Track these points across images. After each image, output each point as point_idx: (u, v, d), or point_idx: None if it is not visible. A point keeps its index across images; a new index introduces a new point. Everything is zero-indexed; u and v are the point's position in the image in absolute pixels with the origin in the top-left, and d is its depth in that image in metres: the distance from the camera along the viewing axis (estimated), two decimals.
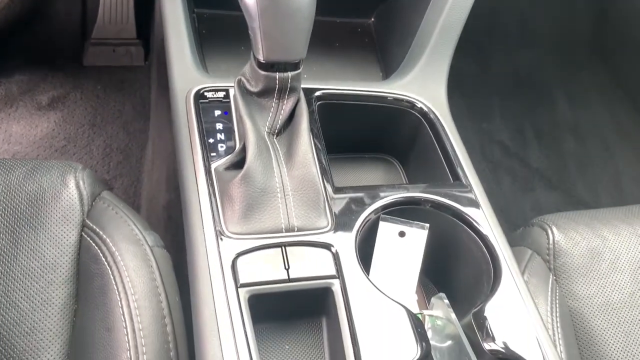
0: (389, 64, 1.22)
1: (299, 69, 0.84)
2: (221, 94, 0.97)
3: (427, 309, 0.89)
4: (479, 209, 0.90)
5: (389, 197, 0.88)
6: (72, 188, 0.94)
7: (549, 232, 1.08)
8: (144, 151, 1.79)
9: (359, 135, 1.12)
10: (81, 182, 0.95)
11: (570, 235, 1.08)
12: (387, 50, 1.25)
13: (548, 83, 2.28)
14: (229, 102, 0.96)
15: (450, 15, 1.08)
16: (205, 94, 0.97)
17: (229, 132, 0.93)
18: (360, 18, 1.34)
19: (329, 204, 0.85)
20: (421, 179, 1.07)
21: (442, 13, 1.08)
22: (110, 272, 0.85)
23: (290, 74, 0.84)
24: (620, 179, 2.04)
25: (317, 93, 1.02)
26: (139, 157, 1.78)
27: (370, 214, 0.85)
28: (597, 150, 2.13)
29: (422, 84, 1.08)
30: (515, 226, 1.90)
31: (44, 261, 0.89)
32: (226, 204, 0.81)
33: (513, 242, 1.12)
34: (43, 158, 1.72)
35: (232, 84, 0.93)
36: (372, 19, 1.34)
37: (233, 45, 1.19)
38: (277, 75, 0.83)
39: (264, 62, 0.81)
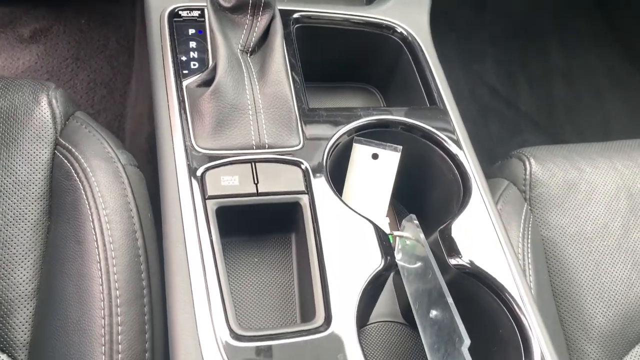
0: None
1: None
2: (196, 13, 0.95)
3: (398, 230, 0.90)
4: (453, 133, 0.90)
5: (362, 119, 0.87)
6: (44, 106, 0.93)
7: (527, 163, 1.07)
8: (128, 85, 1.76)
9: (338, 62, 1.10)
10: (54, 101, 0.94)
11: (548, 167, 1.08)
12: None
13: (542, 29, 2.24)
14: (204, 21, 0.94)
15: None
16: (180, 12, 0.95)
17: (202, 50, 0.91)
18: None
19: (301, 123, 0.84)
20: (400, 105, 1.06)
21: None
22: (82, 188, 0.85)
23: None
24: (608, 124, 2.03)
25: (295, 15, 1.00)
26: (122, 92, 1.76)
27: (343, 134, 0.85)
28: (587, 95, 2.12)
29: (404, 10, 1.05)
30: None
31: (16, 178, 0.88)
32: (196, 119, 0.80)
33: (491, 174, 1.13)
34: None
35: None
36: None
37: None
38: None
39: None
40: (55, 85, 0.97)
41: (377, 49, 1.06)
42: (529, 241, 0.97)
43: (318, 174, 0.79)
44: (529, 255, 0.94)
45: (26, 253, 0.86)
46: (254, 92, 0.82)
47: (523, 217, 1.00)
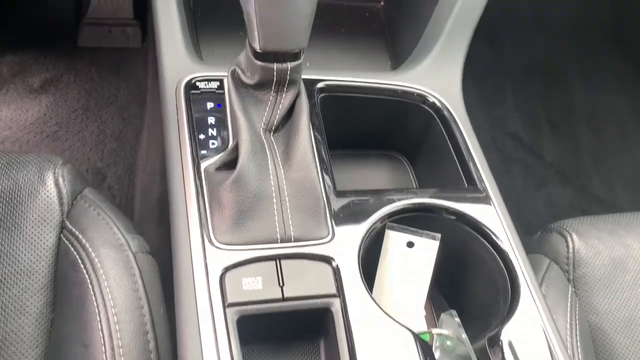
0: (399, 52, 1.13)
1: (300, 59, 0.75)
2: (214, 85, 0.89)
3: (435, 326, 0.81)
4: (496, 218, 0.82)
5: (397, 203, 0.80)
6: (50, 186, 0.86)
7: (569, 239, 0.99)
8: (139, 138, 1.70)
9: (365, 130, 1.03)
10: (60, 179, 0.87)
11: (592, 244, 1.00)
12: (397, 36, 1.15)
13: (564, 69, 2.17)
14: (223, 93, 0.88)
15: (467, 0, 0.99)
16: (197, 84, 0.88)
17: (221, 126, 0.84)
18: (368, 1, 1.25)
19: (329, 211, 0.77)
20: (432, 179, 0.99)
21: None
22: (89, 281, 0.77)
23: (289, 64, 0.75)
24: (638, 174, 1.94)
25: (320, 85, 0.93)
26: (133, 145, 1.70)
27: (375, 222, 0.77)
28: (614, 142, 2.04)
29: (436, 76, 0.98)
30: (528, 225, 1.82)
31: (18, 266, 0.81)
32: (215, 210, 0.73)
33: (529, 249, 1.04)
34: (33, 144, 1.64)
35: (227, 74, 0.84)
36: (382, 3, 1.25)
37: (230, 27, 1.10)
38: (275, 66, 0.75)
39: (260, 51, 0.73)
40: (62, 160, 0.90)
41: (406, 116, 1.00)
42: (577, 331, 0.88)
43: (350, 273, 0.71)
44: (579, 350, 0.85)
45: (27, 351, 0.78)
46: (278, 177, 0.75)
47: (569, 303, 0.91)
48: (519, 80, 2.12)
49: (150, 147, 1.60)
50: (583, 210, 1.82)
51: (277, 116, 0.80)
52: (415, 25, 1.07)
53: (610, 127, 2.07)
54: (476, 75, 2.00)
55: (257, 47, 0.72)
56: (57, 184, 0.86)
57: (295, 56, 0.75)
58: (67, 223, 0.84)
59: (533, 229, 1.77)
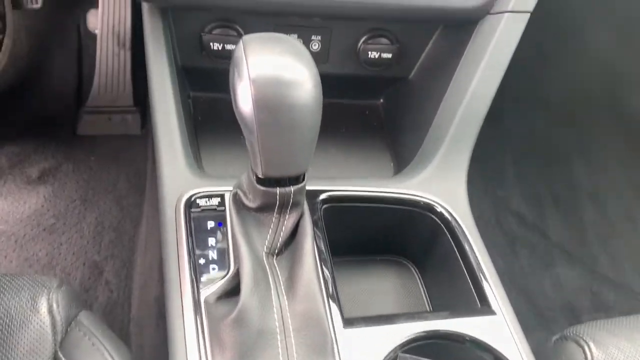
0: (401, 153, 1.11)
1: (303, 182, 0.74)
2: (215, 201, 0.86)
3: None
4: (511, 342, 0.78)
5: (408, 332, 0.76)
6: (44, 313, 0.82)
7: (586, 349, 0.94)
8: (138, 228, 1.67)
9: (370, 236, 1.00)
10: (55, 305, 0.83)
11: (611, 353, 0.95)
12: (398, 137, 1.15)
13: (563, 146, 2.17)
14: (224, 210, 0.85)
15: (471, 105, 0.98)
16: (198, 201, 0.86)
17: (222, 249, 0.81)
18: (368, 99, 1.25)
19: (337, 344, 0.73)
20: (441, 290, 0.95)
21: (462, 101, 0.98)
22: None
23: (292, 188, 0.73)
24: None
25: (323, 196, 0.91)
26: (132, 235, 1.67)
27: (388, 355, 0.73)
28: (618, 220, 2.01)
29: (440, 182, 0.97)
30: (537, 309, 1.76)
31: None
32: (216, 350, 0.69)
33: (544, 358, 1.00)
34: (30, 238, 1.61)
35: (229, 188, 0.82)
36: (381, 100, 1.25)
37: (231, 135, 1.09)
38: (278, 190, 0.73)
39: (262, 177, 0.71)
40: (58, 282, 0.87)
41: (413, 224, 0.97)
42: None
43: None
44: None
45: None
46: (282, 311, 0.71)
47: None
48: (521, 159, 2.11)
49: (148, 239, 1.57)
50: (593, 293, 1.78)
51: (280, 239, 0.77)
52: (417, 127, 1.06)
53: (613, 205, 2.04)
54: (476, 155, 1.99)
55: (260, 174, 0.70)
56: (50, 311, 0.82)
57: (297, 179, 0.73)
58: (60, 355, 0.79)
59: (543, 314, 1.72)
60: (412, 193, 0.95)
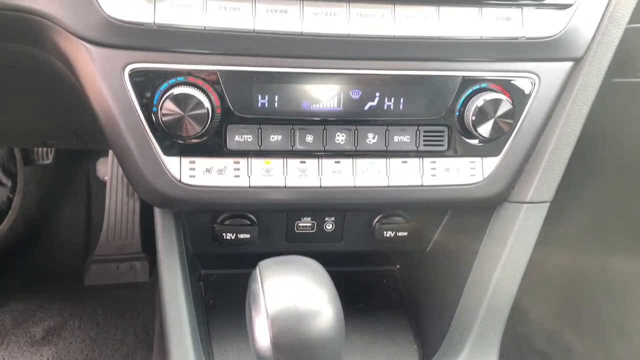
0: (425, 336, 1.07)
1: None
2: None
3: None
4: None
5: None
6: None
7: None
8: None
9: None
10: None
11: None
12: (421, 316, 1.10)
13: (585, 277, 2.11)
14: None
15: (495, 297, 0.94)
16: None
17: None
18: (384, 265, 1.22)
19: None
20: None
21: (487, 292, 0.94)
22: None
23: None
24: None
25: None
26: None
27: None
28: None
29: None
30: None
31: None
32: None
33: None
34: None
35: None
36: (398, 266, 1.21)
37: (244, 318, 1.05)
38: None
39: None
40: None
41: None
42: None
43: None
44: None
45: None
46: None
47: None
48: (537, 295, 2.05)
49: None
50: None
51: None
52: (440, 311, 1.02)
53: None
54: None
55: None
56: None
57: None
58: None
59: None
60: None
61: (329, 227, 1.05)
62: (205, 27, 0.76)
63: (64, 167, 1.92)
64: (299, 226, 1.04)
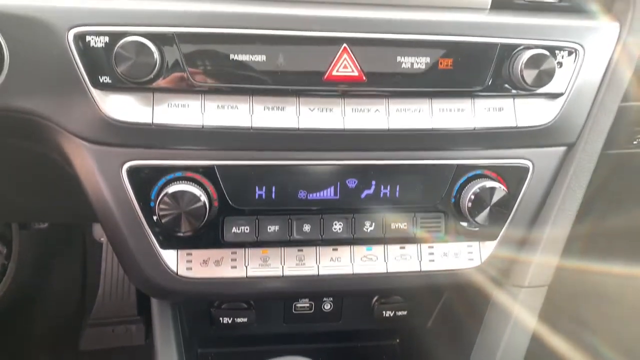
0: None
1: None
2: None
3: None
4: None
5: None
6: None
7: None
8: None
9: None
10: None
11: None
12: None
13: None
14: None
15: None
16: None
17: None
18: (384, 339, 1.20)
19: None
20: None
21: None
22: None
23: None
24: None
25: None
26: None
27: None
28: None
29: None
30: None
31: None
32: None
33: None
34: None
35: None
36: (398, 340, 1.20)
37: None
38: None
39: None
40: None
41: None
42: None
43: None
44: None
45: None
46: None
47: None
48: None
49: None
50: None
51: None
52: None
53: None
54: None
55: None
56: None
57: None
58: None
59: None
60: None
61: (327, 307, 1.05)
62: (203, 126, 0.77)
63: (60, 230, 1.91)
64: (297, 307, 1.03)
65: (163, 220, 0.78)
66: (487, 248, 0.90)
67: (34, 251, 1.89)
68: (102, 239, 1.98)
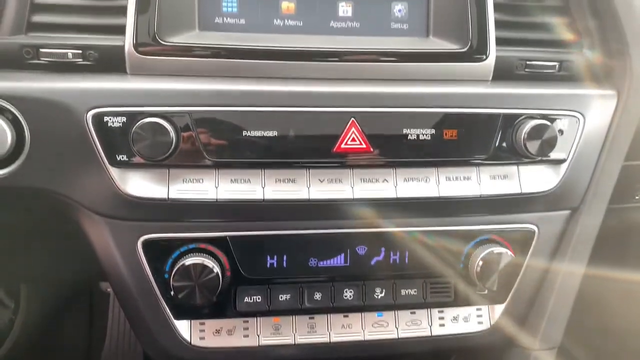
0: None
1: None
2: None
3: None
4: None
5: None
6: None
7: None
8: None
9: None
10: None
11: None
12: None
13: None
14: None
15: None
16: None
17: None
18: None
19: None
20: None
21: None
22: None
23: None
24: None
25: None
26: None
27: None
28: None
29: None
30: None
31: None
32: None
33: None
34: None
35: None
36: None
37: None
38: None
39: None
40: None
41: None
42: None
43: None
44: None
45: None
46: None
47: None
48: None
49: None
50: None
51: None
52: None
53: None
54: None
55: None
56: None
57: None
58: None
59: None
60: None
61: None
62: (217, 200, 0.79)
63: (67, 281, 1.91)
64: None
65: (179, 295, 0.79)
66: (496, 311, 0.91)
67: (41, 305, 1.89)
68: (108, 289, 1.98)
